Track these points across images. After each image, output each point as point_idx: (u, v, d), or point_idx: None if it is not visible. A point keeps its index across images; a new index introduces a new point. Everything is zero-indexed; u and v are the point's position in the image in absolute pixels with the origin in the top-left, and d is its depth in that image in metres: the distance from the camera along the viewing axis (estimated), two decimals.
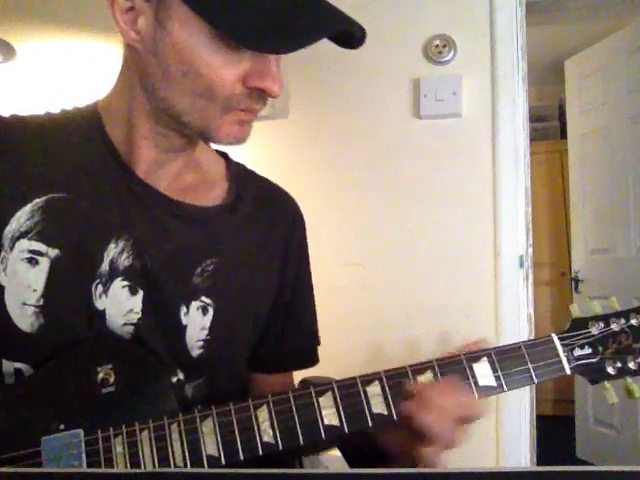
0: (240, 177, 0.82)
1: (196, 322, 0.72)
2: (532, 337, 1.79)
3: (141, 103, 0.70)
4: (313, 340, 0.87)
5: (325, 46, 0.64)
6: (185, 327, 0.71)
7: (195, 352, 0.72)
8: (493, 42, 1.81)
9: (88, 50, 2.12)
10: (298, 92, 2.00)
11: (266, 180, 0.87)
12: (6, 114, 0.75)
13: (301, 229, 0.87)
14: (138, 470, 0.58)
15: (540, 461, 1.91)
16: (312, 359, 0.88)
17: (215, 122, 0.66)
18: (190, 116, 0.66)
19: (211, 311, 0.73)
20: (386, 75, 1.90)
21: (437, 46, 1.84)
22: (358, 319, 1.84)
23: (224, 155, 0.85)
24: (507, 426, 1.72)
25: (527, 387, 1.70)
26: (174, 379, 0.70)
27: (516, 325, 1.74)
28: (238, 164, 0.85)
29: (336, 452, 0.92)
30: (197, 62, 0.62)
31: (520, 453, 1.74)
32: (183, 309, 0.71)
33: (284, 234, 0.83)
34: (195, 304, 0.72)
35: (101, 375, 0.64)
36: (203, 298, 0.72)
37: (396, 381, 0.66)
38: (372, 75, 1.91)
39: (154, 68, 0.66)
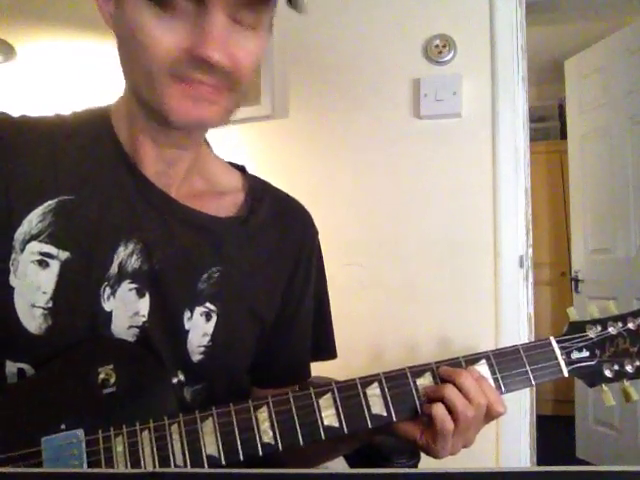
0: (256, 191, 0.81)
1: (199, 327, 0.71)
2: (532, 337, 1.79)
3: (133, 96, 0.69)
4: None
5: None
6: (187, 332, 0.71)
7: (195, 357, 0.71)
8: (493, 42, 1.81)
9: (88, 50, 2.12)
10: (298, 92, 2.01)
11: (282, 193, 0.86)
12: (16, 115, 0.74)
13: (312, 246, 0.85)
14: (138, 470, 0.58)
15: (540, 461, 1.91)
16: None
17: (164, 95, 0.63)
18: (144, 91, 0.65)
19: (214, 318, 0.72)
20: (386, 75, 1.90)
21: (437, 46, 1.84)
22: (358, 319, 1.84)
23: (241, 168, 0.84)
24: (507, 426, 1.72)
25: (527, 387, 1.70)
26: (175, 380, 0.70)
27: (516, 325, 1.74)
28: (255, 177, 0.84)
29: None
30: (139, 32, 0.61)
31: (520, 453, 1.74)
32: (187, 314, 0.71)
33: (294, 250, 0.82)
34: (199, 309, 0.72)
35: (102, 375, 0.64)
36: (207, 304, 0.72)
37: (395, 383, 0.67)
38: (372, 75, 1.92)
39: (121, 51, 0.65)
